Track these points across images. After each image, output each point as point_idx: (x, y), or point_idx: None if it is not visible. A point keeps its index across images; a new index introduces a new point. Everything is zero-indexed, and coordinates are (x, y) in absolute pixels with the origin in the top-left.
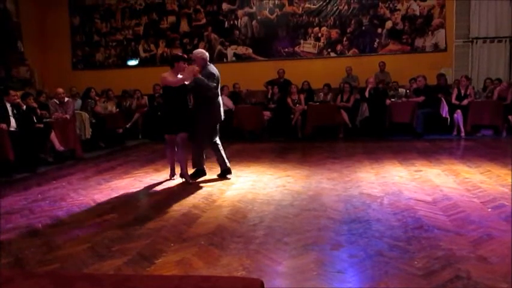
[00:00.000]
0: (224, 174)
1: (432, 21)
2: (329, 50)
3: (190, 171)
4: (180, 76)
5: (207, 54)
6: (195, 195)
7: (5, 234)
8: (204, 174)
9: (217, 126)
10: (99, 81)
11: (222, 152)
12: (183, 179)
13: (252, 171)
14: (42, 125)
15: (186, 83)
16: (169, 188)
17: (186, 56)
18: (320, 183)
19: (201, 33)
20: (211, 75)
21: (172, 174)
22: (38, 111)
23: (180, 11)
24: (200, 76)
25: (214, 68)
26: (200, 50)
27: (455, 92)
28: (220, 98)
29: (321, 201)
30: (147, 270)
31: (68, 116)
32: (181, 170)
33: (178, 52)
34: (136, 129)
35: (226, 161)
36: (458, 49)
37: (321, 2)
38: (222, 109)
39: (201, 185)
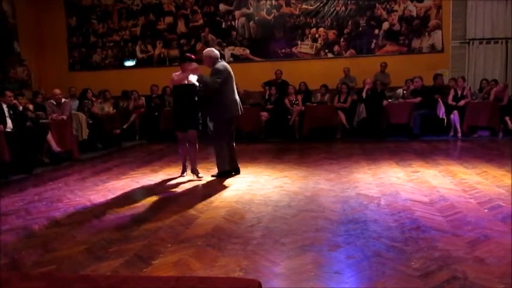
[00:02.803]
0: (222, 175)
1: (429, 23)
2: (326, 51)
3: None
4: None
5: (215, 52)
6: (193, 196)
7: (1, 236)
8: (230, 174)
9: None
10: (96, 82)
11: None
12: (194, 175)
13: (249, 172)
14: (31, 124)
15: (194, 82)
16: (166, 189)
17: (193, 57)
18: (317, 184)
19: (198, 34)
20: (217, 72)
21: (183, 171)
22: (29, 111)
23: (177, 11)
24: (200, 74)
25: (224, 64)
26: (208, 48)
27: (451, 93)
28: (232, 94)
29: (318, 202)
30: (144, 271)
31: (64, 117)
32: (192, 166)
33: (182, 53)
34: (133, 130)
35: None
36: (454, 50)
37: (318, 3)
38: (234, 105)
39: (199, 185)
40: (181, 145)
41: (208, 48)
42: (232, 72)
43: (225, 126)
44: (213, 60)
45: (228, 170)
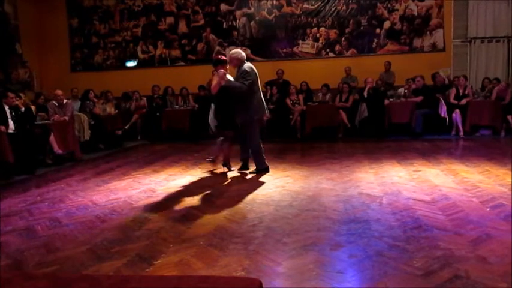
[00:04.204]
0: (259, 172)
1: (430, 21)
2: (327, 50)
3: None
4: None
5: (243, 53)
6: (194, 195)
7: (4, 236)
8: (267, 171)
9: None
10: (97, 83)
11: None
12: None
13: (251, 171)
14: (28, 127)
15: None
16: (168, 189)
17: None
18: (319, 184)
19: (199, 34)
20: (244, 73)
21: (230, 166)
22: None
23: (179, 12)
24: (228, 80)
25: (250, 66)
26: (236, 50)
27: (453, 92)
28: (259, 95)
29: (320, 201)
30: (146, 271)
31: (66, 118)
32: (224, 159)
33: (184, 53)
34: (135, 131)
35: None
36: (456, 49)
37: (319, 3)
38: (262, 105)
39: (200, 185)
40: (228, 143)
41: (236, 50)
42: (257, 73)
43: (256, 126)
44: (240, 61)
45: (266, 167)
